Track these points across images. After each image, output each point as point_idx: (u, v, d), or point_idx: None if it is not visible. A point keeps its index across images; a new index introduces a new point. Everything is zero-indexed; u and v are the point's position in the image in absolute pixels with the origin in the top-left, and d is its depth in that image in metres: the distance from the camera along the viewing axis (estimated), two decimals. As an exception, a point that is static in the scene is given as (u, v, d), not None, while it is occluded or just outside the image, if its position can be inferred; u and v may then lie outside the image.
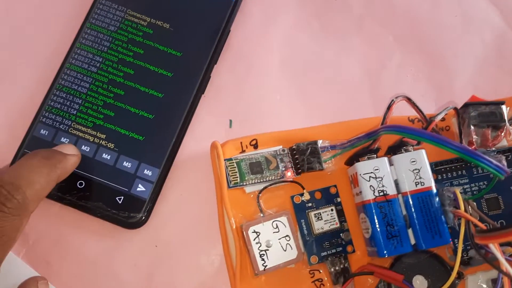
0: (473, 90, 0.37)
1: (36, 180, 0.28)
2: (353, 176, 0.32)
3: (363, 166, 0.31)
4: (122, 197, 0.32)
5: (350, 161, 0.33)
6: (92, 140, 0.33)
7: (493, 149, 0.32)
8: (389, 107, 0.31)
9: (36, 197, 0.28)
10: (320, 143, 0.33)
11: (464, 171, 0.34)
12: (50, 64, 0.35)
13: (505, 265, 0.27)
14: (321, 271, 0.32)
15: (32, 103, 0.34)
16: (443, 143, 0.28)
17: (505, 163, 0.30)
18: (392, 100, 0.31)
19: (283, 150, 0.33)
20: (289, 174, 0.33)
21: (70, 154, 0.31)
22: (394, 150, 0.32)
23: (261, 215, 0.32)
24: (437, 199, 0.30)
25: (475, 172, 0.34)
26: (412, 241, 0.30)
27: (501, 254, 0.27)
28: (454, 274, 0.29)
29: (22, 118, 0.34)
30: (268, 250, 0.31)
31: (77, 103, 0.34)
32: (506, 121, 0.33)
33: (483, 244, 0.28)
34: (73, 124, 0.33)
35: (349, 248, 0.33)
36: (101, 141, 0.33)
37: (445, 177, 0.33)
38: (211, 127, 0.35)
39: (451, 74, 0.37)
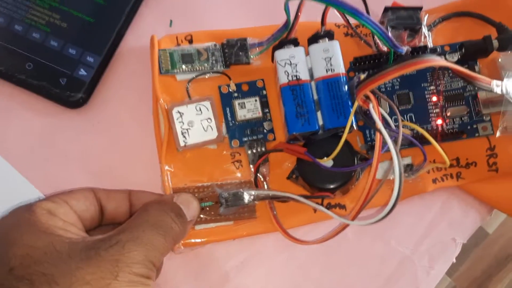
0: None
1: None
2: (275, 66, 0.34)
3: (281, 54, 0.34)
4: (66, 79, 0.36)
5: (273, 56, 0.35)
6: (47, 19, 0.36)
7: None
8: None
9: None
10: (249, 40, 0.36)
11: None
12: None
13: (378, 123, 0.29)
14: (241, 154, 0.35)
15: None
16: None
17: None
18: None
19: (215, 45, 0.36)
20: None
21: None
22: (311, 41, 0.34)
23: (188, 99, 0.35)
24: (346, 86, 0.33)
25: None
26: (321, 122, 0.33)
27: (377, 115, 0.29)
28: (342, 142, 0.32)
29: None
30: (190, 129, 0.34)
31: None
32: (422, 25, 0.36)
33: (363, 102, 0.30)
34: (30, 10, 0.36)
35: (270, 137, 0.36)
36: (55, 21, 0.36)
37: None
38: (152, 26, 0.38)
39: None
